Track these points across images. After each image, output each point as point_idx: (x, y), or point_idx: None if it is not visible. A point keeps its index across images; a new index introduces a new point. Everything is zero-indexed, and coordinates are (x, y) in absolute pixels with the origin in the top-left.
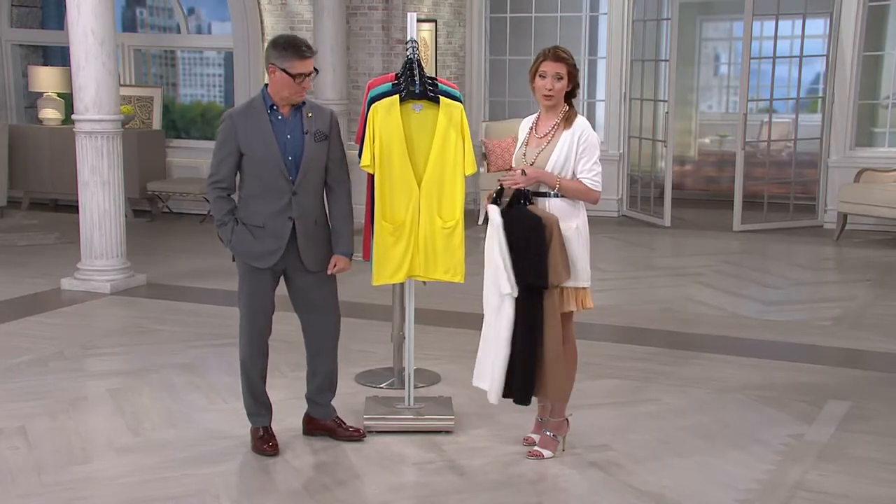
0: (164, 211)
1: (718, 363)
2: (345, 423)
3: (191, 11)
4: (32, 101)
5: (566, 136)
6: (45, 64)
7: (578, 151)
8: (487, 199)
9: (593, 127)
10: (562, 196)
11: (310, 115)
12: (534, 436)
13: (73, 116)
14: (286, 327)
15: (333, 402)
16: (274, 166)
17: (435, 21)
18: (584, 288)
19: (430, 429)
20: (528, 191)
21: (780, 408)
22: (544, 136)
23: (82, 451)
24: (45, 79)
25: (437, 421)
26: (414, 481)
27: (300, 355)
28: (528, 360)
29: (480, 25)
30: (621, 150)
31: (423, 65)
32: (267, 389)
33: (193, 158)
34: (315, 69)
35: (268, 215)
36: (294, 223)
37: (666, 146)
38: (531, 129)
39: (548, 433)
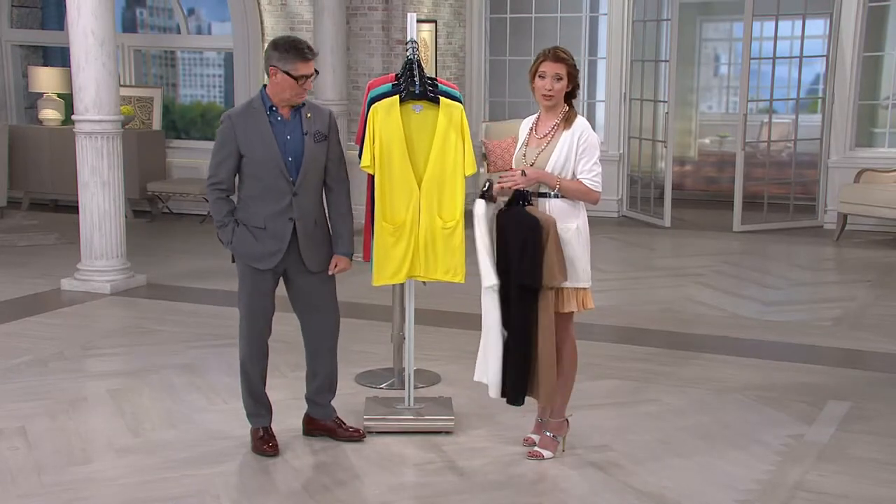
0: (164, 211)
1: (718, 363)
2: (345, 424)
3: (191, 12)
4: (32, 101)
5: (566, 137)
6: (46, 64)
7: (578, 152)
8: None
9: (593, 127)
10: (562, 196)
11: (309, 115)
12: (534, 436)
13: (74, 117)
14: (286, 327)
15: (333, 403)
16: (274, 167)
17: (435, 21)
18: (584, 288)
19: (430, 429)
20: (528, 191)
21: (780, 408)
22: (544, 136)
23: (82, 451)
24: (46, 79)
25: (437, 421)
26: (414, 482)
27: (300, 355)
28: (521, 361)
29: (480, 26)
30: (621, 151)
31: (423, 65)
32: (267, 390)
33: (193, 159)
34: (315, 70)
35: (268, 216)
36: (295, 224)
37: (666, 146)
38: (531, 129)
39: (548, 434)
